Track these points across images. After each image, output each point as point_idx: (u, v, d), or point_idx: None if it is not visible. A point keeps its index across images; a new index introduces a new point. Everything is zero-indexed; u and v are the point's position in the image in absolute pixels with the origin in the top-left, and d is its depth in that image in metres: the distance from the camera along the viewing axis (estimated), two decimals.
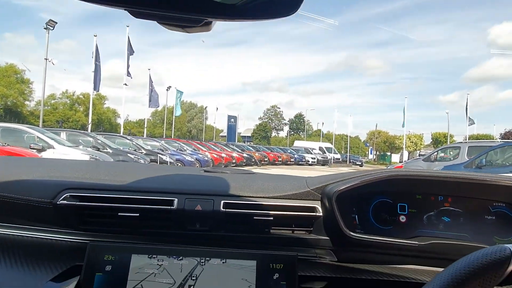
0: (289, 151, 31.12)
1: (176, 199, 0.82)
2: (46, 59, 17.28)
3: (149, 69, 24.07)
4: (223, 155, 19.25)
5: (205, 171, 1.11)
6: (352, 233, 0.82)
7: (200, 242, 0.82)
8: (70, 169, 0.92)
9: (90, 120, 18.15)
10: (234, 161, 19.85)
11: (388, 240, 0.83)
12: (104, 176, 0.88)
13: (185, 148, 17.74)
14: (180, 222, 0.82)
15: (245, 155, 22.23)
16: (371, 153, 54.30)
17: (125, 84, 21.27)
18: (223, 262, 0.78)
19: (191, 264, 0.77)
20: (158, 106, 27.65)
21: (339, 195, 0.82)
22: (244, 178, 0.97)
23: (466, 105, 26.73)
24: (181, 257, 0.77)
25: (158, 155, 13.31)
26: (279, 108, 71.34)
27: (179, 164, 14.17)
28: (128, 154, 11.45)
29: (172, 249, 0.78)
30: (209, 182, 0.92)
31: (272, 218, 0.83)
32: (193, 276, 0.76)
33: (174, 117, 32.29)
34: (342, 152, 50.25)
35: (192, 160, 15.42)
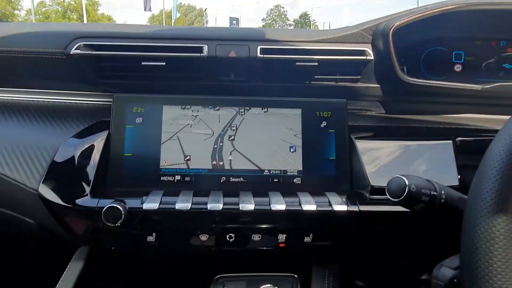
0: None
1: (206, 46, 0.71)
2: None
3: None
4: None
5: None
6: (408, 77, 0.72)
7: (235, 94, 0.74)
8: (83, 25, 0.79)
9: None
10: None
11: (447, 84, 0.73)
12: (121, 28, 0.76)
13: None
14: (212, 71, 0.72)
15: None
16: None
17: None
18: (264, 112, 0.70)
19: (230, 114, 0.69)
20: (150, 11, 26.01)
21: (396, 32, 0.70)
22: (283, 29, 0.84)
23: None
24: (218, 107, 0.70)
25: None
26: (283, 8, 66.97)
27: None
28: None
29: (208, 99, 0.70)
30: (242, 29, 0.79)
31: (316, 64, 0.73)
32: (233, 127, 0.69)
33: (172, 21, 30.55)
34: None
35: None
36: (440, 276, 0.42)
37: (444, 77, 0.85)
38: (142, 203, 0.59)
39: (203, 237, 0.62)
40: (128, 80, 0.74)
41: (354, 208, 0.61)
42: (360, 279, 0.87)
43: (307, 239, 0.63)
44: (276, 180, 0.68)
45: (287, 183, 0.68)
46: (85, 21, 18.43)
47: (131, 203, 0.60)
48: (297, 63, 0.72)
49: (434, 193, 0.48)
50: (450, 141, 0.68)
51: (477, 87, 0.74)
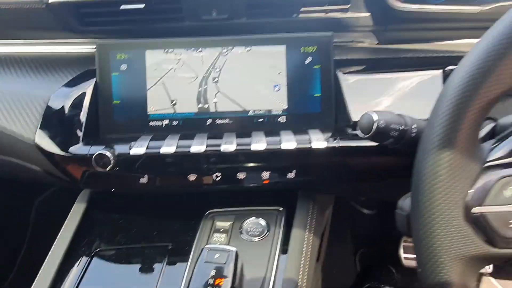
0: None
1: None
2: None
3: None
4: None
5: None
6: (399, 4, 0.67)
7: (220, 34, 0.72)
8: None
9: None
10: None
11: (441, 8, 0.68)
12: None
13: None
14: (193, 10, 0.70)
15: None
16: None
17: None
18: (247, 50, 0.69)
19: (212, 55, 0.69)
20: None
21: None
22: None
23: None
24: (200, 49, 0.69)
25: None
26: None
27: None
28: None
29: (190, 41, 0.69)
30: None
31: None
32: (216, 68, 0.69)
33: None
34: None
35: None
36: (404, 206, 0.44)
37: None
38: (130, 149, 0.62)
39: (192, 177, 0.65)
40: (111, 25, 0.73)
41: (333, 144, 0.62)
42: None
43: (289, 175, 0.65)
44: (261, 119, 0.69)
45: (272, 122, 0.68)
46: None
47: (120, 149, 0.63)
48: None
49: (404, 127, 0.48)
50: (440, 71, 0.66)
51: (475, 9, 0.69)
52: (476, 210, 0.35)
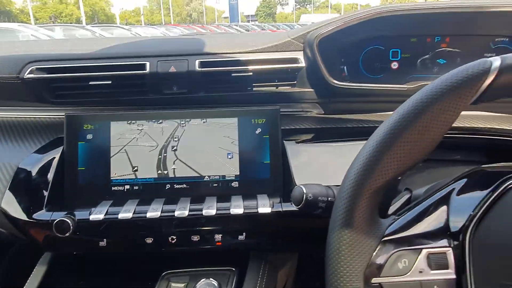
0: (296, 27, 29.47)
1: (148, 62, 0.77)
2: None
3: None
4: None
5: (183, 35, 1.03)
6: (335, 81, 0.77)
7: (180, 106, 0.80)
8: (36, 45, 0.85)
9: (82, 13, 17.10)
10: None
11: (374, 86, 0.78)
12: (71, 47, 0.82)
13: (186, 33, 16.96)
14: (156, 86, 0.78)
15: None
16: None
17: None
18: (203, 122, 0.76)
19: (172, 127, 0.76)
20: None
21: (322, 40, 0.75)
22: (222, 36, 0.89)
23: None
24: (160, 120, 0.76)
25: None
26: None
27: None
28: None
29: (151, 113, 0.76)
30: (183, 43, 0.85)
31: (251, 74, 0.78)
32: (175, 138, 0.76)
33: (170, 1, 29.99)
34: None
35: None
36: None
37: (381, 74, 0.90)
38: (90, 214, 0.67)
39: (149, 240, 0.70)
40: (80, 98, 0.80)
41: (278, 209, 0.68)
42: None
43: (240, 237, 0.70)
44: (216, 184, 0.75)
45: (226, 187, 0.75)
46: (81, 6, 18.20)
47: (80, 214, 0.67)
48: (232, 74, 0.78)
49: (331, 199, 0.55)
50: None
51: (403, 87, 0.80)
52: (374, 280, 0.41)
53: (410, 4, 0.77)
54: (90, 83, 0.76)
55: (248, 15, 62.75)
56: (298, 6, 63.12)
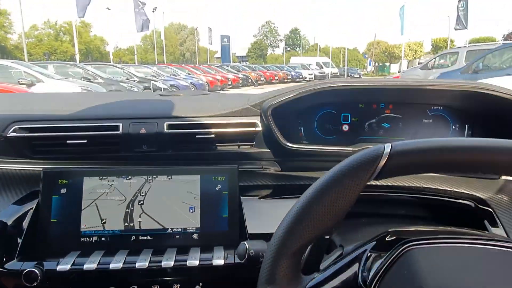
0: (285, 68, 30.41)
1: (121, 124, 0.86)
2: None
3: None
4: (218, 77, 18.92)
5: (160, 95, 1.13)
6: (288, 144, 0.87)
7: (150, 162, 0.88)
8: (19, 103, 0.94)
9: (76, 50, 17.52)
10: (229, 82, 19.58)
11: (323, 148, 0.88)
12: (52, 107, 0.91)
13: (178, 73, 17.39)
14: (127, 145, 0.87)
15: (241, 75, 21.84)
16: (369, 65, 53.23)
17: (108, 8, 20.07)
18: (169, 178, 0.84)
19: (140, 182, 0.84)
20: (148, 30, 26.21)
21: (275, 109, 0.86)
22: (192, 99, 1.00)
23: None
24: (130, 177, 0.84)
25: (151, 82, 13.11)
26: (273, 23, 68.12)
27: (173, 89, 14.02)
28: (121, 83, 11.28)
29: (121, 170, 0.84)
30: (154, 106, 0.95)
31: (213, 136, 0.88)
32: (142, 193, 0.83)
33: (163, 41, 31.03)
34: (340, 66, 49.14)
35: (187, 84, 15.18)
36: None
37: (334, 136, 1.01)
38: (57, 265, 0.73)
39: None
40: (57, 154, 0.88)
41: (231, 261, 0.75)
42: None
43: (197, 287, 0.76)
44: (178, 236, 0.82)
45: (187, 239, 0.82)
46: (76, 44, 18.65)
47: (49, 265, 0.73)
48: (197, 136, 0.87)
49: None
50: None
51: (348, 149, 0.90)
52: None
53: (357, 81, 0.88)
54: (67, 141, 0.85)
55: (240, 56, 64.85)
56: (288, 49, 65.62)
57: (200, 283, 0.76)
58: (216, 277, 0.77)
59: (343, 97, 0.98)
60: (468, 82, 0.85)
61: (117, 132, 0.85)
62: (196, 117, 0.88)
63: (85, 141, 0.85)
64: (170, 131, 0.86)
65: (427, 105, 0.98)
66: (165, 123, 0.87)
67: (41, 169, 0.83)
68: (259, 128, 0.89)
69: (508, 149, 0.44)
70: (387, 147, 0.47)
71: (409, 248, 0.51)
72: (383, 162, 0.47)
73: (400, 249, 0.50)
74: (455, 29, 22.86)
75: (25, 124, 0.85)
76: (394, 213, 0.91)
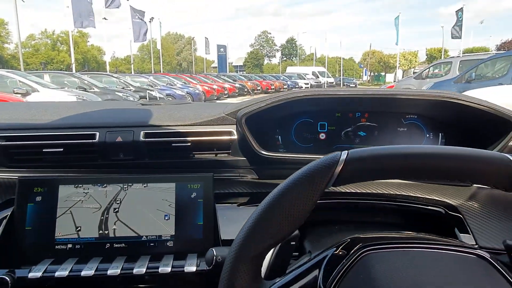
0: (282, 78, 30.63)
1: (97, 133, 0.87)
2: None
3: None
4: (215, 86, 19.00)
5: (142, 104, 1.14)
6: (262, 151, 0.88)
7: (127, 170, 0.89)
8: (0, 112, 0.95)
9: (73, 60, 17.57)
10: (226, 92, 19.66)
11: (297, 156, 0.90)
12: (30, 116, 0.92)
13: (175, 82, 17.45)
14: (104, 153, 0.88)
15: (237, 85, 21.96)
16: (365, 74, 53.66)
17: (105, 18, 20.20)
18: (144, 186, 0.85)
19: (115, 190, 0.84)
20: (145, 40, 26.33)
21: (250, 117, 0.87)
22: (170, 108, 1.01)
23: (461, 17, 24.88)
24: (105, 184, 0.85)
25: (147, 91, 13.14)
26: (270, 33, 68.71)
27: (169, 99, 14.05)
28: (116, 93, 11.29)
29: (97, 178, 0.85)
30: (131, 115, 0.96)
31: (189, 144, 0.89)
32: (117, 200, 0.84)
33: (160, 50, 31.19)
34: (336, 75, 49.48)
35: (183, 94, 15.23)
36: None
37: (311, 144, 1.02)
38: (28, 272, 0.73)
39: None
40: (34, 162, 0.89)
41: (203, 268, 0.75)
42: None
43: None
44: (152, 244, 0.82)
45: (161, 246, 0.82)
46: (72, 53, 18.68)
47: (20, 272, 0.73)
48: (173, 144, 0.88)
49: None
50: None
51: (319, 156, 0.91)
52: None
53: (330, 90, 0.90)
54: (44, 150, 0.86)
55: (237, 66, 65.23)
56: (285, 58, 66.10)
57: None
58: (189, 284, 0.77)
59: (319, 106, 0.99)
60: (439, 91, 0.87)
61: (93, 140, 0.86)
62: (172, 125, 0.90)
63: (62, 149, 0.86)
64: (146, 139, 0.87)
65: (402, 114, 1.00)
66: (142, 132, 0.88)
67: (17, 177, 0.84)
68: (235, 137, 0.90)
69: (458, 156, 0.46)
70: (344, 154, 0.49)
71: (366, 252, 0.52)
72: (339, 168, 0.48)
73: (358, 254, 0.52)
74: (452, 37, 23.27)
75: (2, 133, 0.86)
76: (368, 220, 0.92)
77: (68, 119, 0.91)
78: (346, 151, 0.50)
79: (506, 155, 0.44)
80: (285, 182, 0.50)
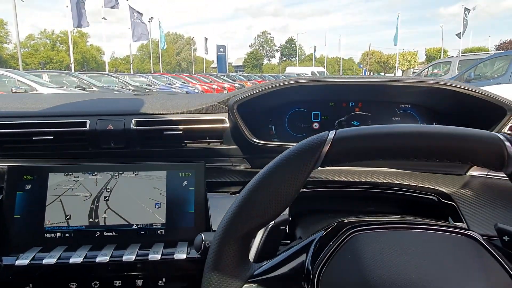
0: (281, 78, 30.59)
1: (88, 121, 0.86)
2: None
3: None
4: (214, 86, 18.97)
5: (134, 94, 1.14)
6: (254, 140, 0.87)
7: (118, 159, 0.88)
8: None
9: (72, 59, 17.54)
10: (225, 91, 19.64)
11: (289, 144, 0.89)
12: (20, 105, 0.91)
13: (174, 82, 17.44)
14: (95, 141, 0.87)
15: (236, 85, 21.90)
16: (364, 75, 53.70)
17: (104, 18, 20.19)
18: (135, 174, 0.84)
19: (106, 178, 0.84)
20: (147, 39, 26.26)
21: (242, 106, 0.86)
22: (163, 98, 1.00)
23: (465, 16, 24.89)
24: (95, 173, 0.84)
25: (146, 90, 13.14)
26: (269, 34, 68.72)
27: None
28: (115, 92, 11.29)
29: (87, 166, 0.84)
30: (123, 104, 0.95)
31: (181, 132, 0.88)
32: (108, 189, 0.83)
33: (160, 50, 31.15)
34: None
35: (182, 93, 15.21)
36: None
37: (305, 133, 1.01)
38: (16, 260, 0.72)
39: (72, 285, 0.75)
40: (24, 151, 0.88)
41: (193, 255, 0.75)
42: None
43: (160, 282, 0.76)
44: (143, 232, 0.81)
45: (152, 235, 0.81)
46: (71, 53, 18.67)
47: (7, 260, 0.73)
48: (164, 132, 0.87)
49: None
50: None
51: None
52: None
53: (320, 77, 0.89)
54: (33, 138, 0.85)
55: (236, 66, 65.23)
56: (284, 59, 66.11)
57: (164, 278, 0.76)
58: (179, 271, 0.76)
59: (313, 95, 0.98)
60: (431, 78, 0.87)
61: (84, 128, 0.85)
62: (164, 114, 0.89)
63: (52, 137, 0.85)
64: (137, 127, 0.87)
65: (396, 103, 0.99)
66: (133, 120, 0.87)
67: (6, 166, 0.83)
68: (227, 125, 0.89)
69: (448, 135, 0.45)
70: (331, 133, 0.48)
71: (354, 234, 0.51)
72: (326, 148, 0.47)
73: (345, 235, 0.51)
74: (457, 35, 23.66)
75: None
76: (362, 210, 0.91)
77: (58, 108, 0.90)
78: (334, 131, 0.49)
79: (497, 133, 0.44)
80: (273, 161, 0.49)
